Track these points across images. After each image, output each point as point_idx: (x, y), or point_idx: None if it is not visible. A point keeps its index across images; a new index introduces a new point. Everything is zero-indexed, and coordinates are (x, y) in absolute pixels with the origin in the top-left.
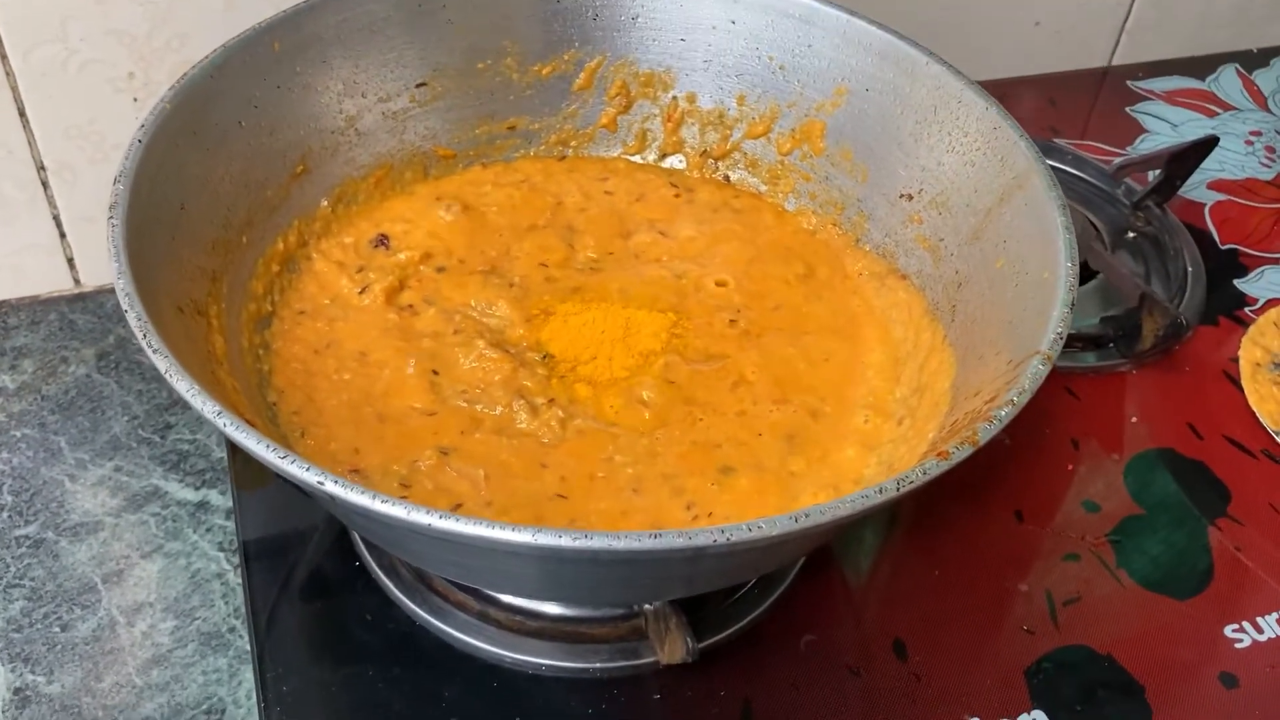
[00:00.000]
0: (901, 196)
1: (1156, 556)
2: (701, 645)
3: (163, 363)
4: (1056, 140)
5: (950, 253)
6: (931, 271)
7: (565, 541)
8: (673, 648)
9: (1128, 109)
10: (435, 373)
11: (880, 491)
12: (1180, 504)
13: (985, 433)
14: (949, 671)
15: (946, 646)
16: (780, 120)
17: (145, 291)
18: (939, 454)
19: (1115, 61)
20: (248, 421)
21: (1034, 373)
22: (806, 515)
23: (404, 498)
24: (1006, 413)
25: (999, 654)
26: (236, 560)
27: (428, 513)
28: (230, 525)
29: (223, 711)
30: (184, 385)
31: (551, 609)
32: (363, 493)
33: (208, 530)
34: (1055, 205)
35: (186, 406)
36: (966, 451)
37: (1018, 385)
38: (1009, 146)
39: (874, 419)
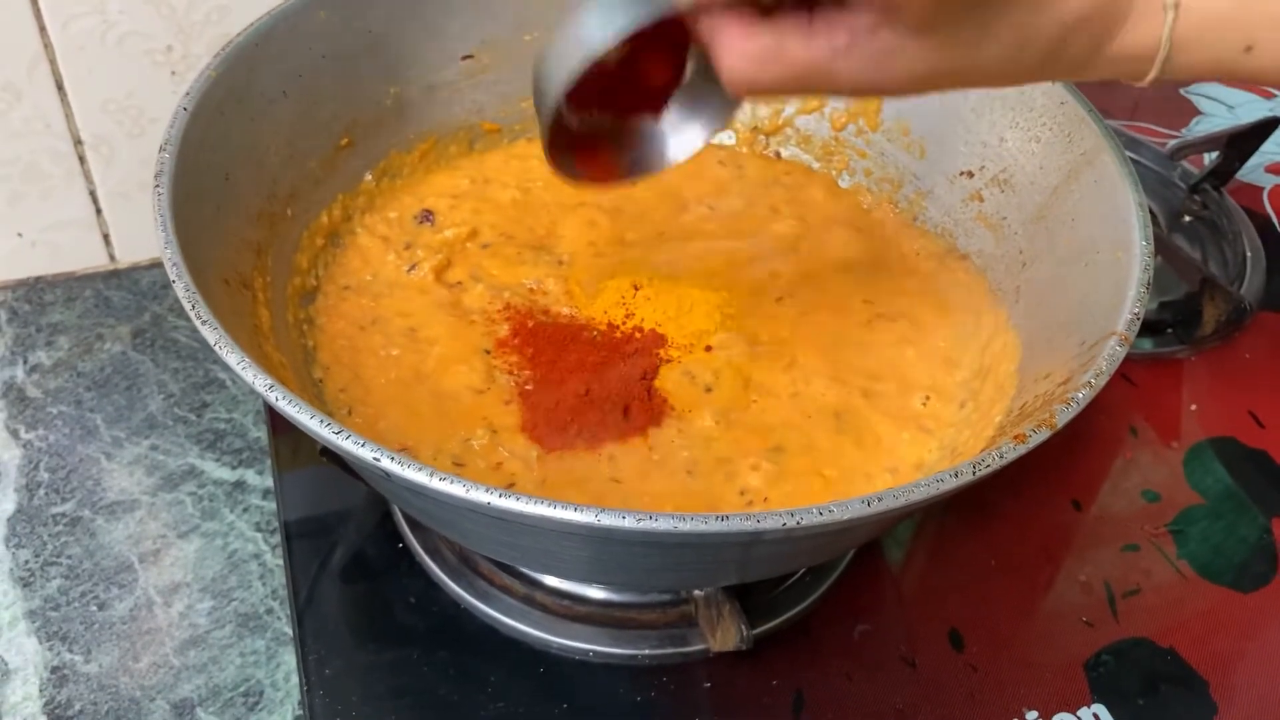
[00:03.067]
0: (962, 174)
1: (1218, 547)
2: (753, 633)
3: (212, 334)
4: (1109, 121)
5: (1014, 232)
6: (993, 251)
7: (629, 523)
8: (725, 635)
9: (1182, 90)
10: (487, 351)
11: (956, 475)
12: (1242, 494)
13: (1063, 415)
14: (1006, 663)
15: (1003, 637)
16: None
17: (192, 262)
18: (1016, 437)
19: None
20: (299, 397)
21: (1111, 354)
22: (879, 499)
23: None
24: (1084, 395)
25: (1057, 646)
26: (274, 541)
27: (487, 490)
28: (267, 505)
29: (260, 694)
30: (234, 358)
31: (598, 594)
32: (420, 469)
33: (244, 510)
34: (1128, 183)
35: (222, 386)
36: (1044, 435)
37: (1094, 367)
38: (1077, 122)
39: (932, 402)
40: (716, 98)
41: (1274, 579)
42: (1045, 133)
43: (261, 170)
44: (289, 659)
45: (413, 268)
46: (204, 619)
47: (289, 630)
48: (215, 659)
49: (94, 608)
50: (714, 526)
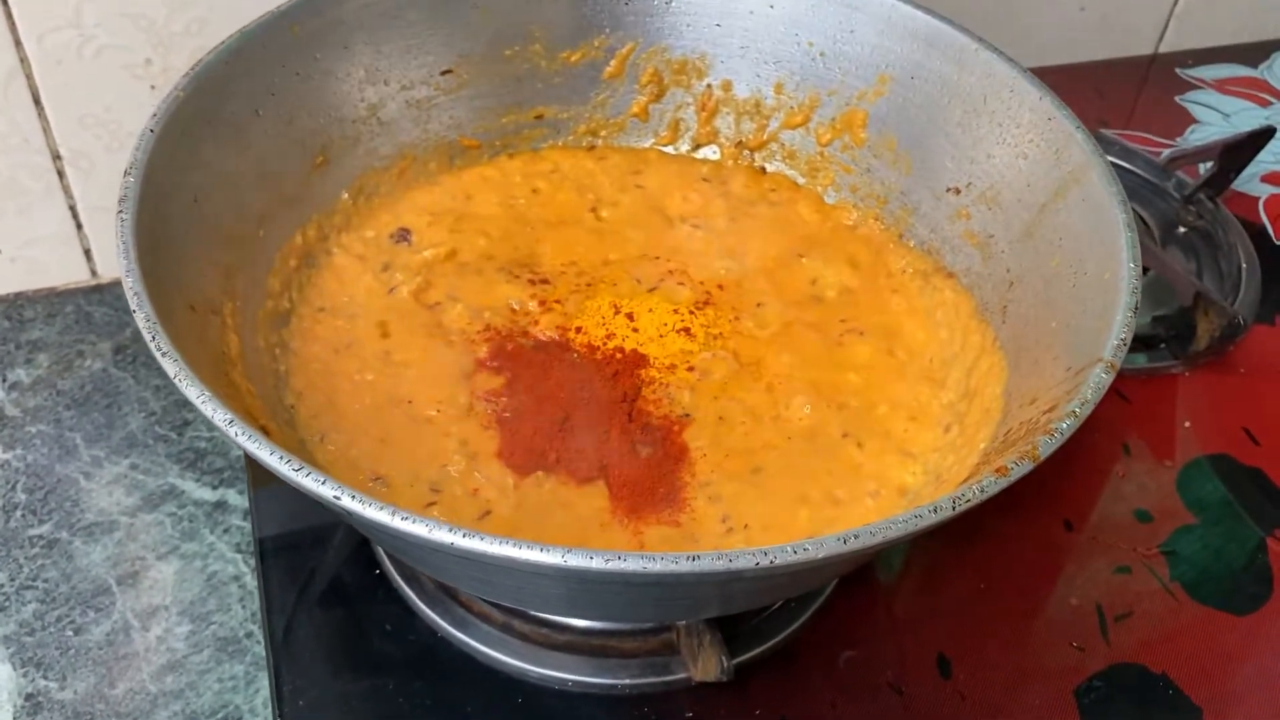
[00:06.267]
0: (948, 190)
1: (1212, 569)
2: (736, 662)
3: (171, 367)
4: (1103, 131)
5: (1001, 250)
6: (980, 270)
7: (596, 564)
8: (706, 665)
9: (1177, 98)
10: (465, 374)
11: (935, 511)
12: (1237, 513)
13: (1046, 447)
14: (995, 689)
15: (993, 663)
16: (820, 109)
17: (155, 289)
18: (997, 470)
19: (1163, 49)
20: (262, 429)
21: (1097, 382)
22: (855, 536)
23: (433, 504)
24: (1068, 425)
25: (1048, 672)
26: (254, 563)
27: (450, 530)
28: (248, 526)
29: None
30: (194, 391)
31: (578, 622)
32: (381, 508)
33: (225, 531)
34: (1116, 202)
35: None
36: (1026, 468)
37: (1079, 396)
38: (1065, 139)
39: (916, 425)
40: None
41: (1269, 601)
42: (1032, 149)
43: (233, 191)
44: (267, 684)
45: (392, 290)
46: (182, 643)
47: (266, 658)
48: (193, 684)
49: (70, 632)
50: (685, 567)
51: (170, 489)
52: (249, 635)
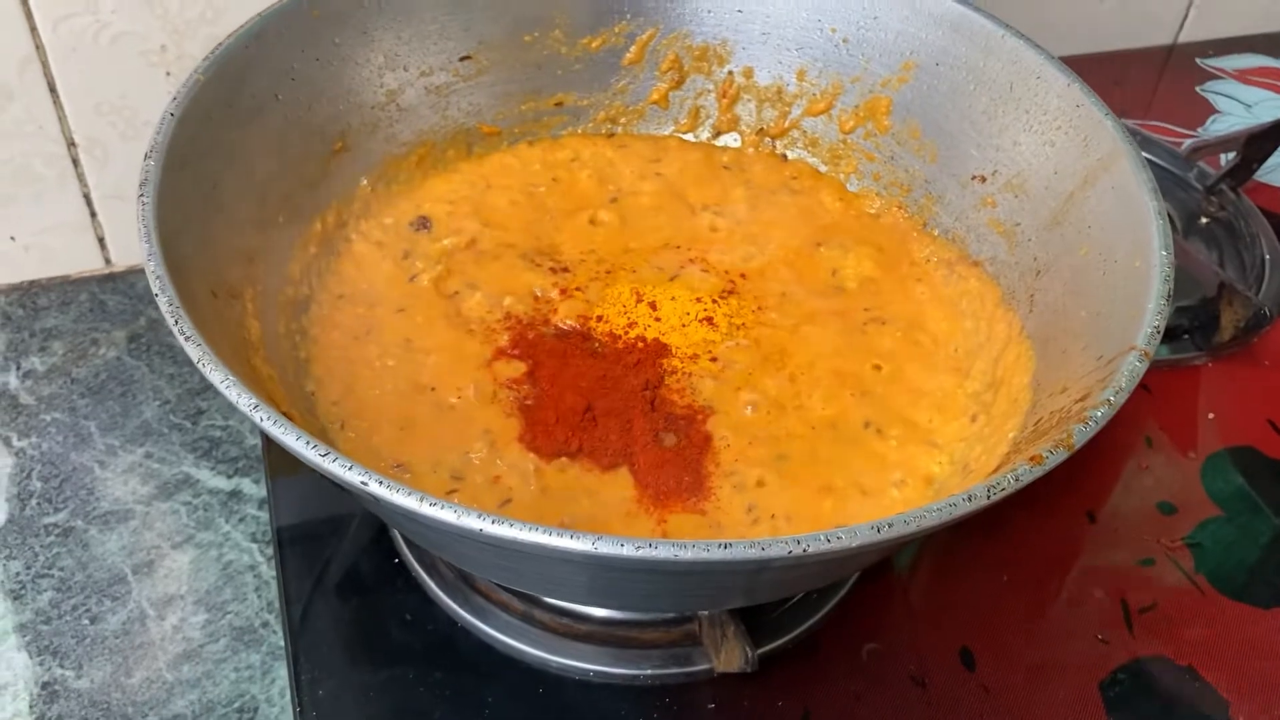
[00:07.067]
0: (974, 178)
1: (1237, 561)
2: (759, 653)
3: (195, 351)
4: (1124, 121)
5: (1027, 239)
6: (1006, 258)
7: (627, 551)
8: (730, 656)
9: (1197, 88)
10: (486, 362)
11: (970, 499)
12: (1262, 506)
13: (1081, 435)
14: (1019, 682)
15: (1016, 656)
16: (843, 96)
17: (177, 274)
18: (1032, 459)
19: (1183, 39)
20: (285, 414)
21: (1131, 370)
22: (890, 525)
23: (454, 492)
24: (1103, 413)
25: (1072, 664)
26: (270, 552)
27: (479, 516)
28: (263, 515)
29: (255, 710)
30: (218, 375)
31: (599, 612)
32: (409, 494)
33: (240, 520)
34: (1147, 189)
35: (218, 393)
36: (1061, 456)
37: (1113, 384)
38: (1093, 126)
39: (941, 415)
40: None
41: None
42: (1060, 136)
43: (252, 176)
44: (284, 674)
45: (413, 278)
46: (198, 632)
47: (284, 644)
48: (209, 674)
49: (86, 621)
50: (716, 555)
51: (185, 478)
52: (265, 625)
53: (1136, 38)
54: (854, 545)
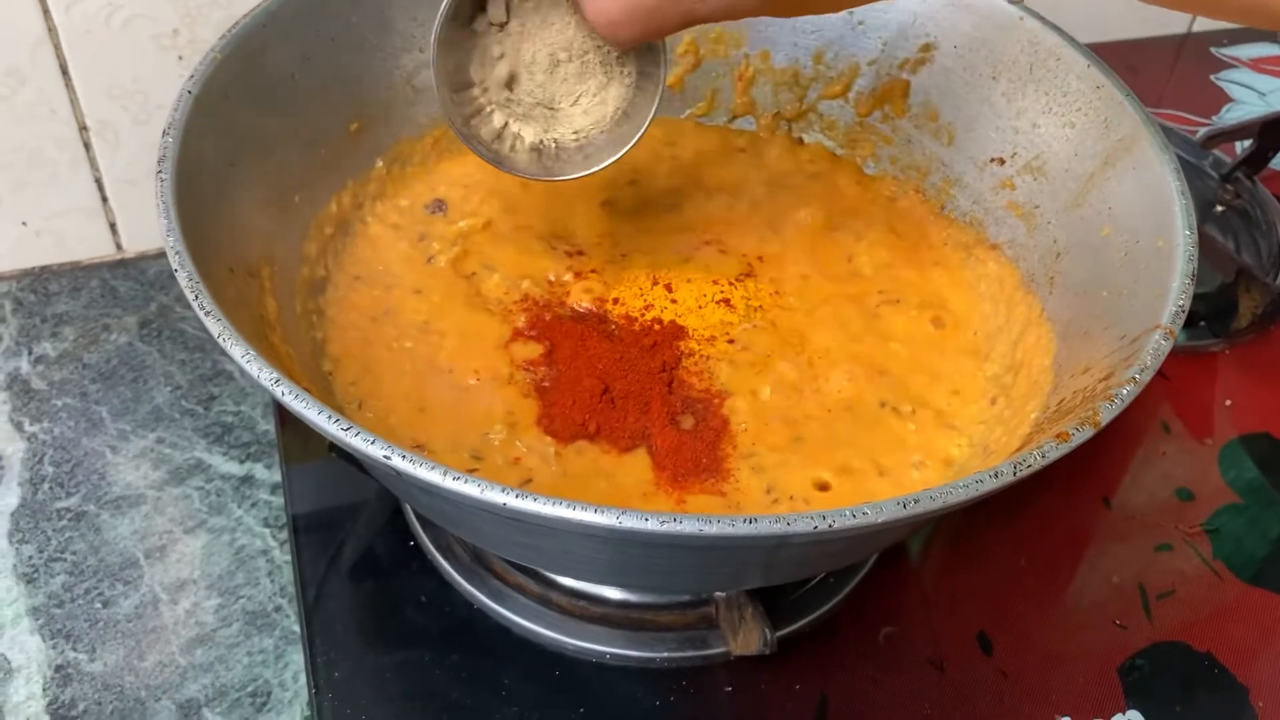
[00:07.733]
0: (992, 161)
1: (1255, 548)
2: (777, 636)
3: (215, 325)
4: None
5: (1047, 221)
6: (1026, 241)
7: (653, 525)
8: (748, 638)
9: (1212, 77)
10: (503, 343)
11: (996, 476)
12: (1277, 493)
13: (1108, 413)
14: (1037, 667)
15: (1034, 640)
16: (859, 79)
17: (196, 250)
18: (1058, 435)
19: (1196, 27)
20: (306, 390)
21: (1156, 348)
22: (916, 501)
23: (474, 470)
24: (1129, 391)
25: (1090, 650)
26: (282, 537)
27: (503, 491)
28: (275, 501)
29: (268, 694)
30: (239, 350)
31: (615, 594)
32: (433, 468)
33: (252, 505)
34: (1169, 169)
35: (230, 378)
36: (1088, 433)
37: (1139, 362)
38: (1114, 107)
39: (959, 398)
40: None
41: None
42: (1080, 118)
43: (268, 156)
44: (297, 658)
45: (430, 260)
46: (211, 616)
47: (297, 629)
48: (222, 658)
49: (99, 605)
50: (741, 529)
51: (197, 463)
52: (278, 609)
53: (1151, 26)
54: (879, 521)
